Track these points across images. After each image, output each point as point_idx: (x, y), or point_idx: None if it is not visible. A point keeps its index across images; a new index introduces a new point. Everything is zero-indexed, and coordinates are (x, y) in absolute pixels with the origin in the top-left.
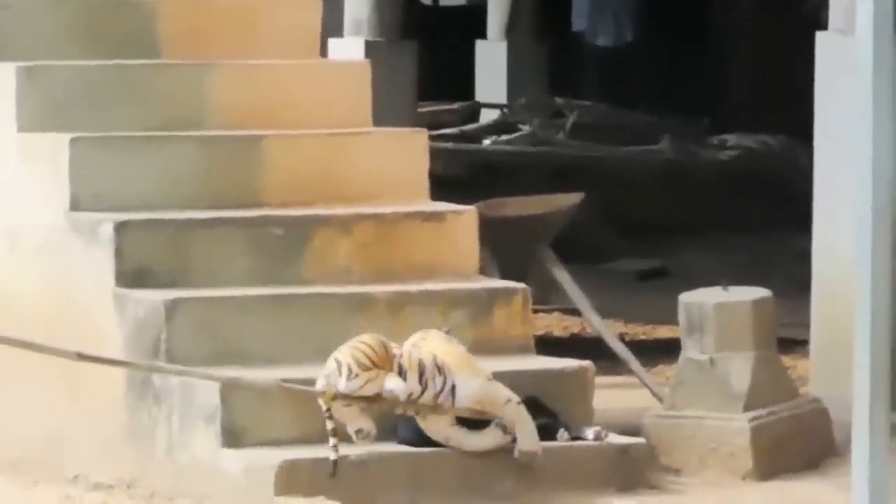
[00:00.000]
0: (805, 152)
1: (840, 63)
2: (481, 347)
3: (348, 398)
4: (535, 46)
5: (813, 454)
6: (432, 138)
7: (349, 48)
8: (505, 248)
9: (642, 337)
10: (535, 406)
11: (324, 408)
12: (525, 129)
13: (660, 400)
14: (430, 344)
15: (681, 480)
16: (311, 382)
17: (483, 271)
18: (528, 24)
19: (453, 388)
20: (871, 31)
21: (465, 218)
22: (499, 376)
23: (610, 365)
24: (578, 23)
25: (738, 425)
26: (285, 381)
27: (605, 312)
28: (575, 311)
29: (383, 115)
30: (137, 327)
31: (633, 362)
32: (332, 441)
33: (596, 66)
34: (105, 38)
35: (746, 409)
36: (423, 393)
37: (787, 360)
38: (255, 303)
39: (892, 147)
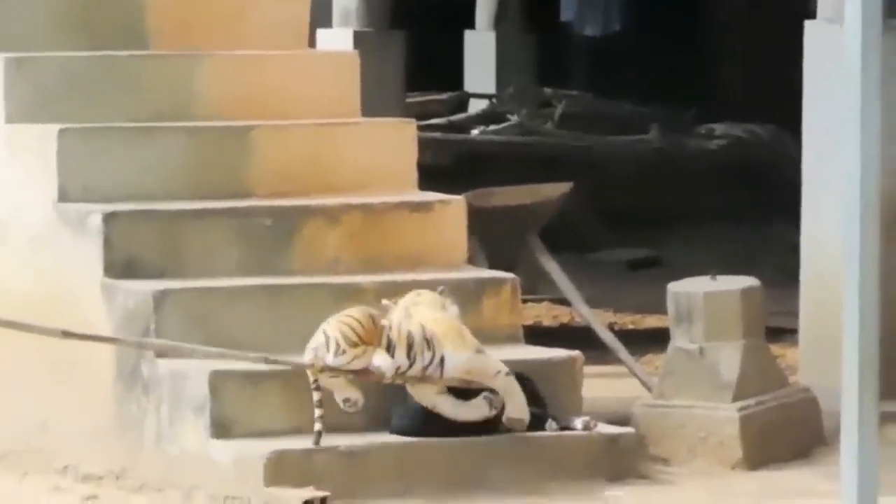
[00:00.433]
0: (794, 141)
1: (828, 52)
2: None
3: (336, 371)
4: (523, 37)
5: (802, 443)
6: (421, 128)
7: (338, 39)
8: (493, 238)
9: (631, 326)
10: (526, 389)
11: (311, 378)
12: (513, 119)
13: (649, 389)
14: (420, 311)
15: (670, 470)
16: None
17: (471, 261)
18: (516, 15)
19: (442, 359)
20: (859, 20)
21: (453, 208)
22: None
23: (599, 354)
24: (567, 13)
25: (727, 415)
26: (276, 379)
27: (594, 302)
28: (564, 301)
29: (372, 106)
30: (126, 318)
31: (623, 352)
32: (317, 412)
33: (584, 56)
34: (94, 29)
35: (735, 398)
36: (411, 366)
37: (776, 349)
38: (243, 293)
39: (881, 137)
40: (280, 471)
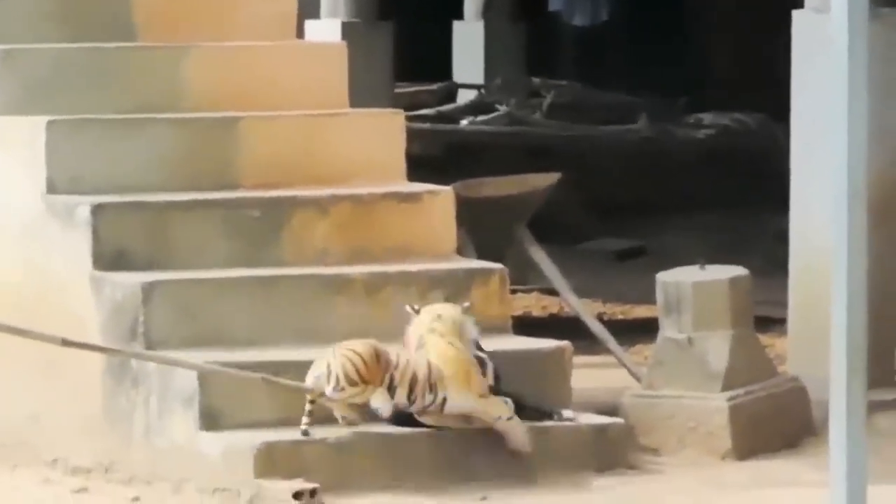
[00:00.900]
0: (782, 130)
1: (816, 41)
2: None
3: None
4: (511, 27)
5: (791, 433)
6: (409, 119)
7: (326, 30)
8: (482, 229)
9: (620, 316)
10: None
11: (307, 399)
12: (502, 109)
13: (638, 380)
14: (434, 343)
15: (659, 460)
16: (290, 365)
17: (460, 252)
18: (504, 5)
19: (444, 400)
20: (845, 10)
21: (441, 198)
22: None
23: (588, 345)
24: (555, 3)
25: (716, 404)
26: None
27: (583, 292)
28: (554, 292)
29: (360, 96)
30: (115, 310)
31: (611, 342)
32: (305, 420)
33: (572, 46)
34: (81, 21)
35: (724, 388)
36: (410, 405)
37: (765, 338)
38: (232, 285)
39: (868, 127)
40: (269, 463)
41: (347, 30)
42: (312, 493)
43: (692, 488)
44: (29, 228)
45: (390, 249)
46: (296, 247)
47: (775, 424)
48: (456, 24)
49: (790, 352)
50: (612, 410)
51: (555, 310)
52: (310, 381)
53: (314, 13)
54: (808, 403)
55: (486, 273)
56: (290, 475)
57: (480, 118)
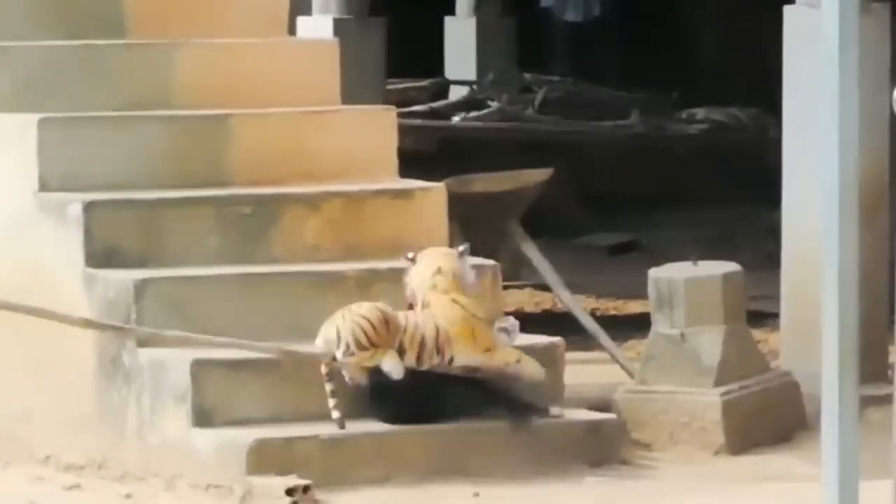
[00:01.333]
0: (775, 125)
1: (807, 36)
2: None
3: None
4: (503, 23)
5: (784, 428)
6: (401, 115)
7: (318, 26)
8: (474, 225)
9: (613, 312)
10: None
11: (323, 370)
12: (494, 105)
13: (631, 375)
14: (438, 301)
15: (652, 456)
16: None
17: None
18: (496, 1)
19: (451, 360)
20: (836, 4)
21: (433, 195)
22: None
23: (581, 340)
24: None
25: (709, 400)
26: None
27: (576, 287)
28: (547, 287)
29: (352, 93)
30: (107, 307)
31: (604, 337)
32: (331, 402)
33: (564, 42)
34: (71, 18)
35: (717, 383)
36: (418, 366)
37: (758, 333)
38: (224, 282)
39: (859, 121)
40: (262, 459)
41: (339, 26)
42: (305, 489)
43: (685, 483)
44: (20, 226)
45: (382, 246)
46: (287, 243)
47: (768, 419)
48: (448, 20)
49: (783, 347)
50: (604, 406)
51: (548, 305)
52: (319, 343)
53: (306, 9)
54: (801, 398)
55: (479, 269)
56: (282, 471)
57: (472, 114)
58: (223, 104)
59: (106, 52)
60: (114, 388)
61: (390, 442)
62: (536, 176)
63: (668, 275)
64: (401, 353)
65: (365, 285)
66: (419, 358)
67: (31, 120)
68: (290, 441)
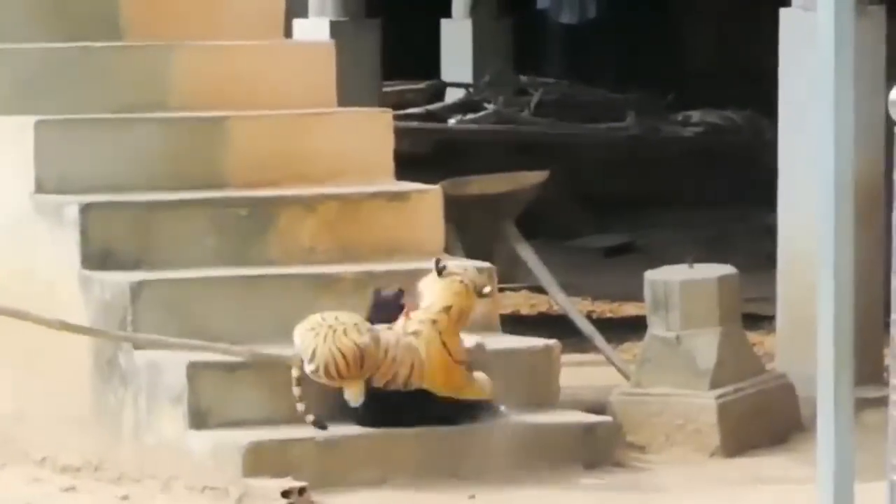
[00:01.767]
0: (770, 127)
1: (803, 38)
2: None
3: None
4: (499, 25)
5: (780, 430)
6: (398, 118)
7: (314, 28)
8: (470, 227)
9: (609, 314)
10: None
11: (294, 374)
12: (490, 107)
13: (626, 377)
14: (429, 342)
15: (647, 458)
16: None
17: (448, 250)
18: (492, 3)
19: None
20: (832, 7)
21: (429, 197)
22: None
23: (577, 342)
24: (542, 1)
25: (704, 402)
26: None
27: (572, 290)
28: (542, 289)
29: (348, 95)
30: (103, 309)
31: (599, 339)
32: (300, 406)
33: (560, 44)
34: (68, 20)
35: (713, 385)
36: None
37: (753, 336)
38: (220, 283)
39: (855, 123)
40: (258, 461)
41: (335, 28)
42: (301, 491)
43: (680, 486)
44: (16, 228)
45: (378, 248)
46: (283, 246)
47: (763, 421)
48: (444, 23)
49: (778, 349)
50: (600, 408)
51: (543, 308)
52: (297, 341)
53: (302, 12)
54: (797, 400)
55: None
56: (278, 473)
57: (468, 116)
58: (220, 106)
59: (103, 54)
60: (110, 389)
61: (386, 444)
62: (532, 178)
63: (664, 277)
64: (368, 383)
65: (361, 287)
66: (385, 386)
67: (27, 122)
68: (285, 443)
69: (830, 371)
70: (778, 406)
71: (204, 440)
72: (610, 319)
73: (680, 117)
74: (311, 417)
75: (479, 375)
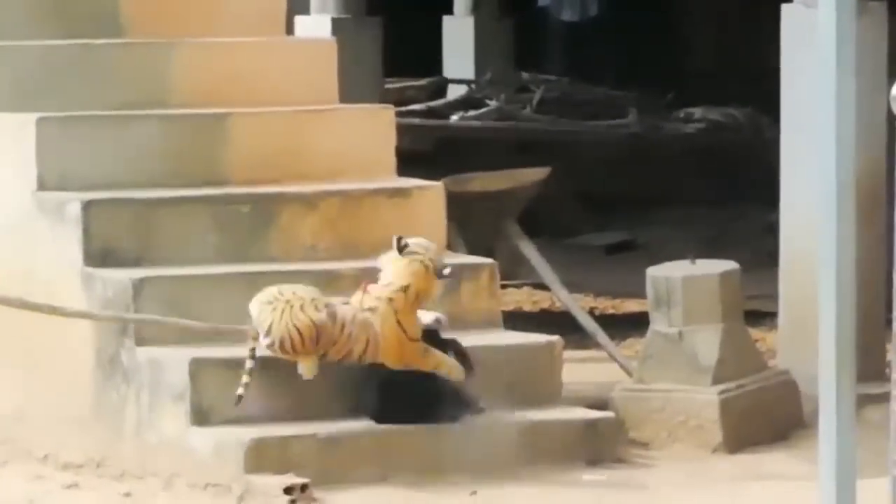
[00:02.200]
0: (771, 125)
1: (805, 35)
2: (449, 322)
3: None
4: (501, 22)
5: (781, 426)
6: (399, 114)
7: (315, 25)
8: (472, 224)
9: (611, 311)
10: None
11: (249, 346)
12: (492, 104)
13: (628, 374)
14: (385, 320)
15: (649, 454)
16: (278, 361)
17: (450, 247)
18: (493, 0)
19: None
20: (833, 4)
21: (431, 194)
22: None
23: (579, 339)
24: None
25: (706, 398)
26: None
27: (574, 286)
28: (545, 286)
29: (350, 92)
30: (105, 306)
31: (602, 336)
32: (245, 378)
33: (562, 41)
34: (69, 17)
35: (715, 382)
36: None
37: (756, 332)
38: (221, 281)
39: (856, 120)
40: (260, 458)
41: (337, 25)
42: (303, 488)
43: (682, 482)
44: (18, 225)
45: (379, 245)
46: (285, 242)
47: (765, 418)
48: (445, 20)
49: (780, 345)
50: (602, 404)
51: (545, 304)
52: (254, 312)
53: (304, 9)
54: (798, 397)
55: (477, 268)
56: (280, 470)
57: (470, 113)
58: (221, 103)
59: (103, 51)
60: (112, 386)
61: (388, 440)
62: (534, 175)
63: (666, 273)
64: (323, 358)
65: (362, 281)
66: (339, 362)
67: (29, 119)
68: (287, 440)
69: (832, 368)
70: (780, 402)
71: (206, 437)
72: (612, 316)
73: (682, 115)
74: (241, 391)
75: (444, 357)
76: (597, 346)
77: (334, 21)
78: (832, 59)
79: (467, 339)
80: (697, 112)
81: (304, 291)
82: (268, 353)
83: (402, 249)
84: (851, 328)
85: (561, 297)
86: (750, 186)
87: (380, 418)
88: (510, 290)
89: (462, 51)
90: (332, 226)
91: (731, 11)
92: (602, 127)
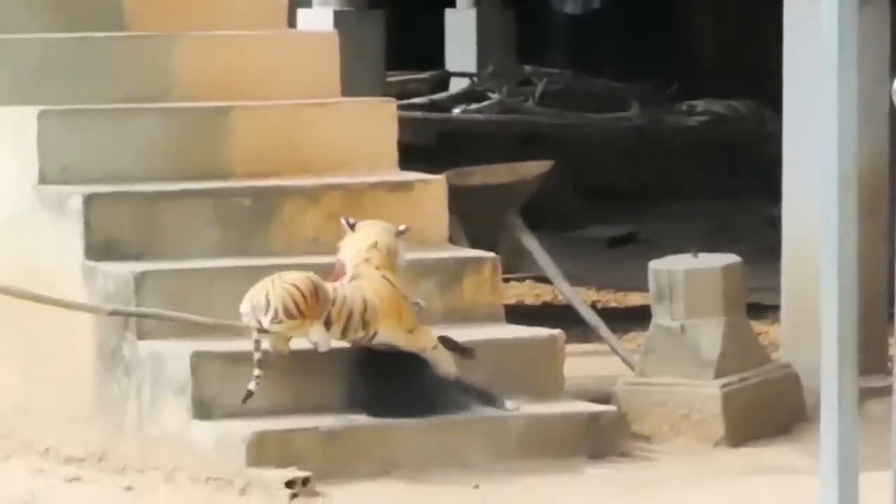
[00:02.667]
0: (774, 117)
1: (807, 28)
2: (451, 316)
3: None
4: (503, 15)
5: (784, 420)
6: (402, 108)
7: (318, 18)
8: (474, 217)
9: (614, 304)
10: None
11: (253, 337)
12: (494, 97)
13: (631, 367)
14: (369, 276)
15: (652, 448)
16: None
17: (452, 240)
18: None
19: (375, 334)
20: None
21: (433, 187)
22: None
23: (581, 332)
24: None
25: (708, 392)
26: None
27: (576, 280)
28: (547, 280)
29: (352, 85)
30: (107, 300)
31: (604, 329)
32: (256, 371)
33: (564, 34)
34: (71, 10)
35: (717, 375)
36: (342, 338)
37: (758, 325)
38: (223, 274)
39: (858, 113)
40: (261, 451)
41: (339, 18)
42: (305, 481)
43: (685, 475)
44: (19, 219)
45: None
46: (286, 236)
47: (768, 411)
48: (448, 13)
49: (783, 339)
50: (604, 398)
51: (548, 298)
52: (246, 307)
53: (306, 2)
54: (801, 390)
55: (479, 261)
56: (282, 464)
57: (472, 106)
58: (223, 97)
59: (105, 44)
60: (114, 380)
61: (390, 434)
62: (536, 168)
63: (668, 267)
64: (327, 324)
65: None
66: (344, 331)
67: (30, 113)
68: (289, 433)
69: (834, 361)
70: (782, 396)
71: (207, 431)
72: (614, 309)
73: (684, 107)
74: (254, 385)
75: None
76: (599, 339)
77: (336, 14)
78: (834, 52)
79: (469, 333)
80: (700, 105)
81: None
82: (274, 344)
83: (353, 227)
84: (854, 322)
85: (563, 291)
86: (752, 179)
87: (373, 411)
88: (512, 283)
89: (464, 44)
90: (334, 219)
91: (733, 4)
92: (604, 120)
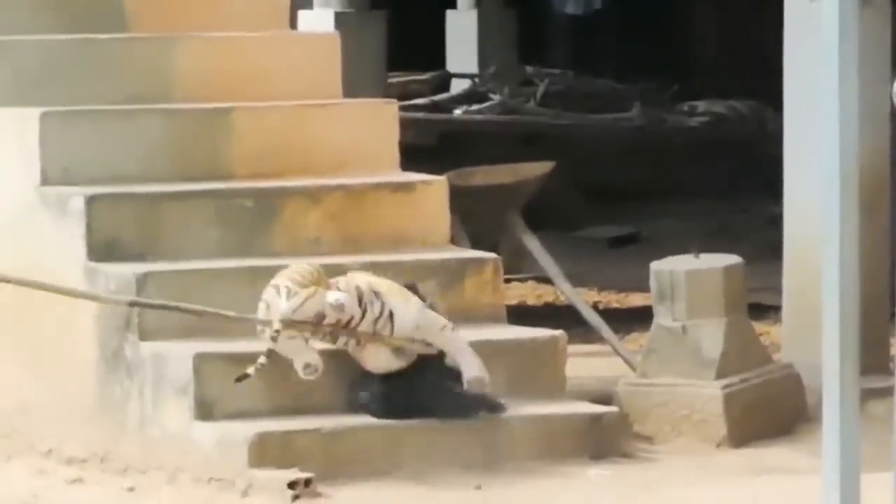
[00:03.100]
0: (775, 117)
1: (808, 28)
2: (452, 317)
3: (293, 325)
4: (504, 16)
5: (786, 420)
6: (403, 108)
7: (319, 19)
8: (475, 218)
9: (616, 305)
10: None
11: (269, 336)
12: (495, 98)
13: (632, 368)
14: (358, 275)
15: (653, 448)
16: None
17: (454, 241)
18: None
19: (391, 314)
20: None
21: (434, 188)
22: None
23: (583, 333)
24: None
25: (710, 392)
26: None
27: (578, 280)
28: (548, 280)
29: (353, 86)
30: None
31: (605, 330)
32: (262, 359)
33: (566, 35)
34: (72, 11)
35: (719, 375)
36: (363, 317)
37: (760, 326)
38: (225, 275)
39: (859, 113)
40: (264, 452)
41: (340, 19)
42: (307, 482)
43: (686, 476)
44: (21, 220)
45: (383, 239)
46: (288, 237)
47: (770, 411)
48: (449, 14)
49: (785, 339)
50: (606, 399)
51: (549, 298)
52: (262, 312)
53: (307, 3)
54: (803, 390)
55: (480, 262)
56: (284, 465)
57: (474, 107)
58: (224, 98)
59: (107, 45)
60: (116, 380)
61: (392, 435)
62: (537, 169)
63: (670, 267)
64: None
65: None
66: (360, 303)
67: (32, 114)
68: (291, 434)
69: (836, 361)
70: (784, 396)
71: (210, 431)
72: (616, 310)
73: (686, 108)
74: (252, 370)
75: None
76: (601, 340)
77: (337, 15)
78: (835, 51)
79: (471, 334)
80: (701, 105)
81: None
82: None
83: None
84: (855, 321)
85: (564, 291)
86: (753, 179)
87: (380, 413)
88: (514, 284)
89: (465, 45)
90: (335, 220)
91: (734, 4)
92: (606, 120)
